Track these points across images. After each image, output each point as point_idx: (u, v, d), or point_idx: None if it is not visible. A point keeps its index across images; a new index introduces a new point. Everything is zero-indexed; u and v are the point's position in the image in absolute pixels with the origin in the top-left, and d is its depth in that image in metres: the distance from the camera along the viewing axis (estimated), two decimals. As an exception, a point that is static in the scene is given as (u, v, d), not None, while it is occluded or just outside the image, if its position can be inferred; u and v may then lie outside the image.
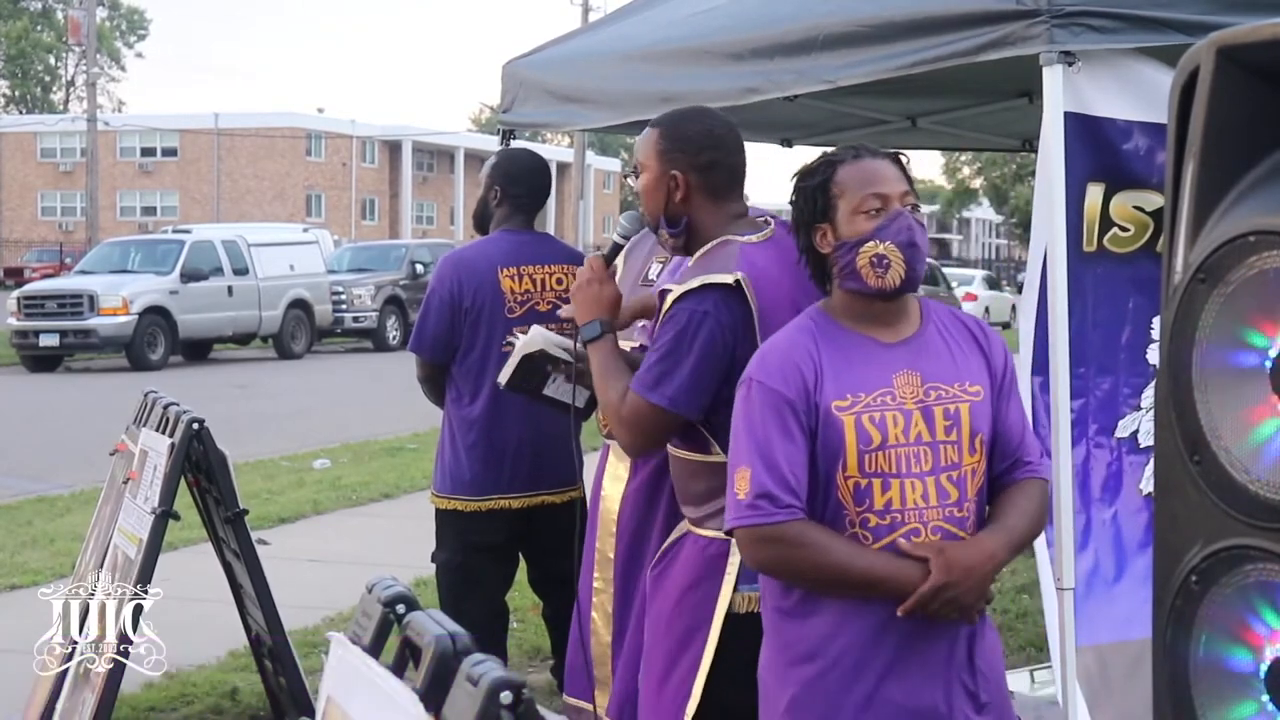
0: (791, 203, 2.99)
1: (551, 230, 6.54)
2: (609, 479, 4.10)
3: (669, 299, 3.28)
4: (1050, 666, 4.25)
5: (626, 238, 3.58)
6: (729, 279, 3.23)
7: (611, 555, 4.04)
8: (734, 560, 3.28)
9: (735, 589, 3.29)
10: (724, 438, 3.21)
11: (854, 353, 2.89)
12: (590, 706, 4.10)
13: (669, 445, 3.43)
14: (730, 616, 3.29)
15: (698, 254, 3.39)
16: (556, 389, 4.09)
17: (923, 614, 2.80)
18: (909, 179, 2.96)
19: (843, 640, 2.85)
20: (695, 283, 3.26)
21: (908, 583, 2.79)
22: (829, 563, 2.81)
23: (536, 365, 4.01)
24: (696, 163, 3.39)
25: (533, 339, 4.00)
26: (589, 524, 4.17)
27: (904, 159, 2.99)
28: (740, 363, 3.13)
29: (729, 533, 2.93)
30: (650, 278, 4.04)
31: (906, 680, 2.84)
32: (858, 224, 2.88)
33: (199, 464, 4.51)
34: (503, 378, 4.09)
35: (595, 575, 4.10)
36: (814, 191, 2.93)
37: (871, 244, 2.86)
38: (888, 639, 2.84)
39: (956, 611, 2.83)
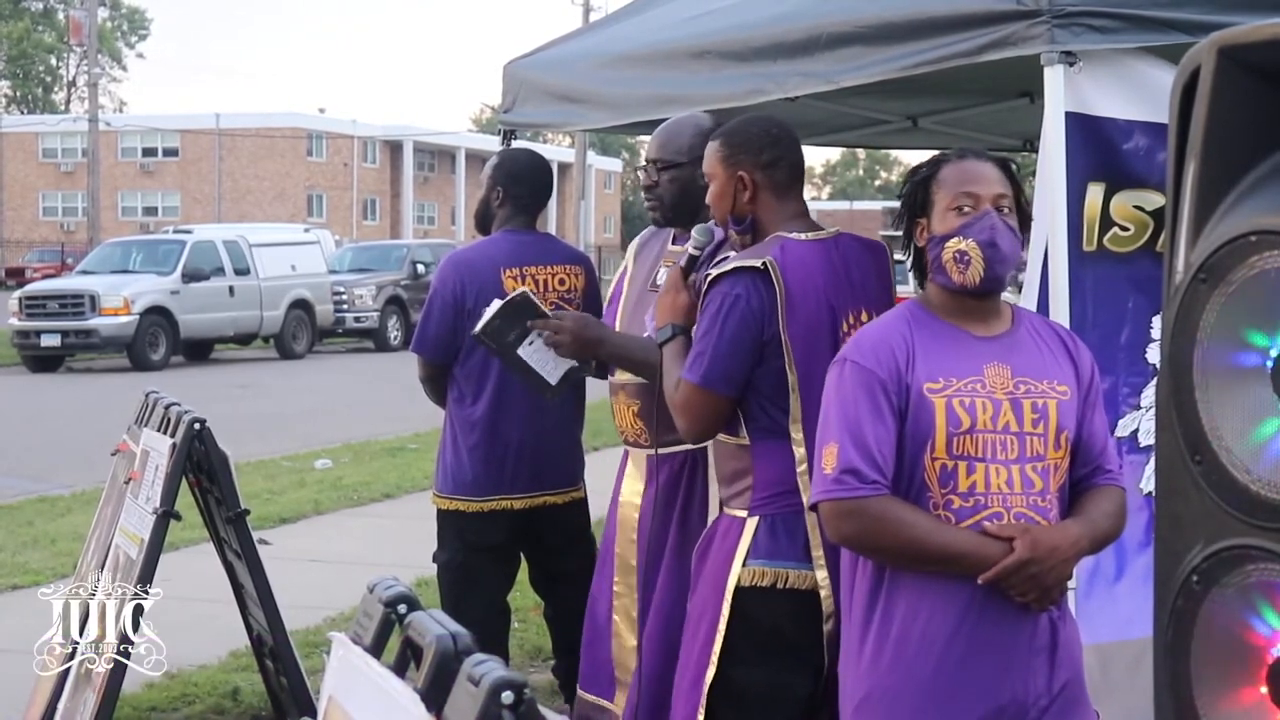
0: (899, 196, 3.14)
1: (552, 230, 6.55)
2: (629, 485, 4.12)
3: (706, 284, 3.45)
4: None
5: (701, 249, 3.67)
6: (757, 262, 3.38)
7: (633, 561, 4.05)
8: (746, 535, 3.39)
9: (744, 564, 3.37)
10: (753, 422, 3.40)
11: (947, 341, 2.99)
12: (609, 705, 4.12)
13: None
14: (739, 591, 3.37)
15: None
16: (532, 352, 4.13)
17: (1001, 588, 2.87)
18: (1014, 184, 3.06)
19: (924, 627, 2.91)
20: (727, 267, 3.42)
21: (990, 558, 2.87)
22: (911, 537, 2.88)
23: (519, 312, 4.08)
24: (760, 161, 3.53)
25: (518, 291, 4.17)
26: (607, 528, 4.19)
27: (1013, 164, 3.11)
28: (770, 344, 3.34)
29: (813, 507, 3.00)
30: (658, 282, 4.07)
31: (988, 671, 2.90)
32: (948, 220, 3.00)
33: (200, 464, 4.51)
34: (479, 324, 4.16)
35: (616, 580, 4.12)
36: (917, 187, 3.07)
37: (956, 240, 2.97)
38: (970, 628, 2.90)
39: (1035, 591, 2.89)
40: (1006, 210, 3.01)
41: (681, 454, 3.93)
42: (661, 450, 3.91)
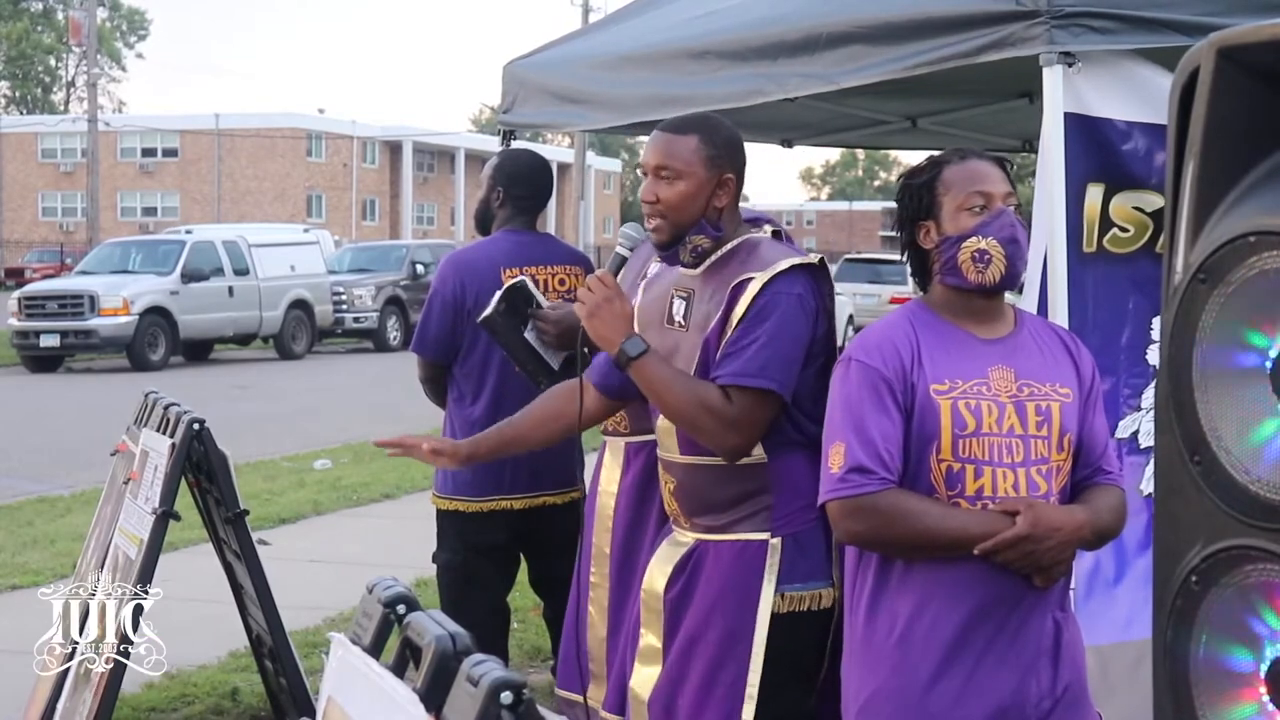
0: (897, 200, 3.08)
1: (552, 231, 6.57)
2: (606, 475, 4.13)
3: (755, 286, 3.26)
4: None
5: (632, 249, 3.55)
6: (814, 259, 3.32)
7: (608, 551, 4.07)
8: (773, 561, 3.29)
9: (778, 591, 3.28)
10: (775, 436, 3.28)
11: (952, 343, 2.98)
12: (580, 698, 4.12)
13: (685, 456, 3.39)
14: (772, 618, 3.27)
15: (722, 251, 3.39)
16: (536, 336, 4.25)
17: (998, 560, 2.86)
18: (1012, 182, 3.05)
19: (930, 628, 2.90)
20: (784, 265, 3.28)
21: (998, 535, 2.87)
22: (923, 527, 2.87)
23: (520, 297, 4.14)
24: (736, 165, 3.42)
25: (517, 279, 4.26)
26: (586, 519, 4.20)
27: (1008, 163, 3.09)
28: (818, 342, 3.28)
29: (821, 507, 2.96)
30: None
31: (992, 672, 2.90)
32: (961, 220, 2.97)
33: (200, 464, 4.51)
34: (486, 311, 4.23)
35: (592, 570, 4.13)
36: (920, 189, 3.03)
37: (974, 239, 2.95)
38: (976, 629, 2.89)
39: (1032, 567, 2.88)
40: (1014, 209, 3.02)
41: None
42: (638, 438, 3.91)
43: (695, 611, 3.37)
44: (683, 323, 3.42)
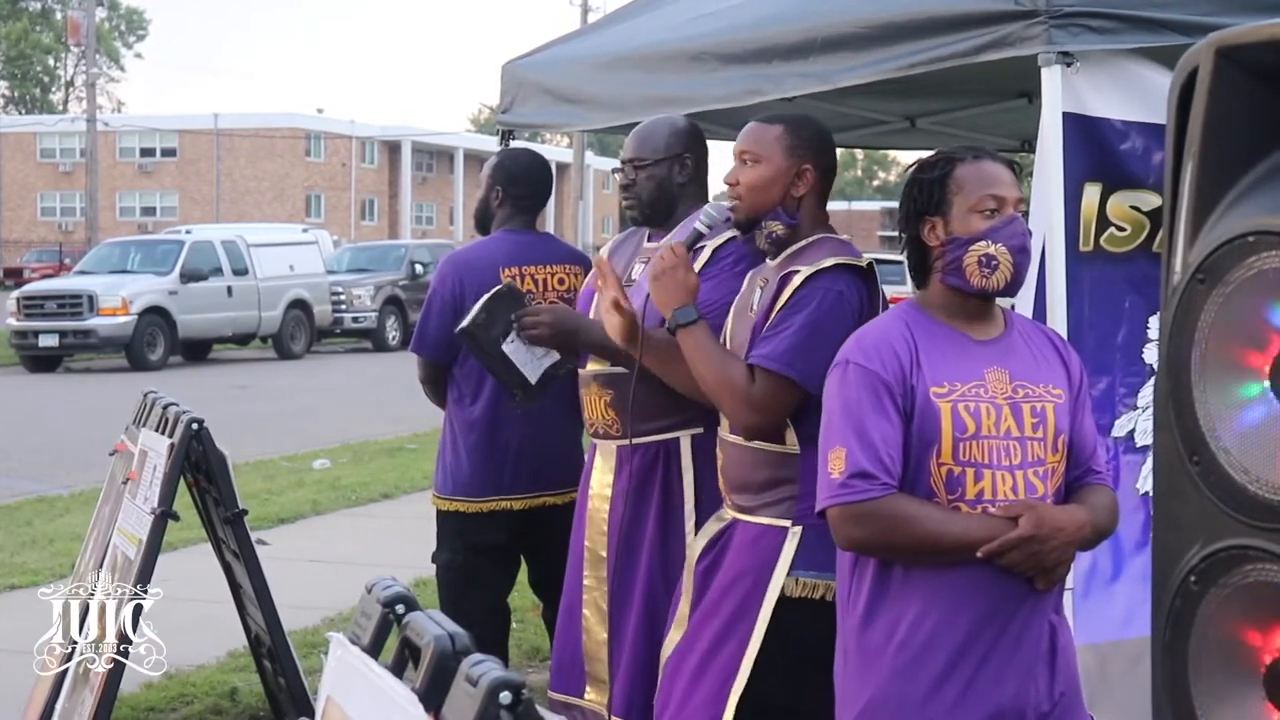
0: (905, 192, 3.06)
1: (551, 231, 6.54)
2: (597, 478, 4.12)
3: (798, 279, 3.38)
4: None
5: (711, 227, 3.65)
6: (862, 262, 3.38)
7: (604, 553, 4.06)
8: (789, 545, 3.35)
9: (790, 574, 3.33)
10: (806, 429, 3.31)
11: (947, 344, 2.96)
12: (579, 701, 4.12)
13: (732, 434, 3.48)
14: (783, 600, 3.33)
15: (799, 245, 3.49)
16: (515, 349, 4.18)
17: (1001, 563, 2.85)
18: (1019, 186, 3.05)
19: (930, 633, 2.88)
20: (828, 262, 3.37)
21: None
22: (924, 532, 2.86)
23: (505, 304, 4.11)
24: (822, 163, 3.54)
25: (504, 283, 4.21)
26: (576, 522, 4.20)
27: (1016, 166, 3.08)
28: None
29: (821, 513, 2.96)
30: (633, 277, 4.08)
31: (991, 676, 2.89)
32: (972, 222, 2.95)
33: (198, 464, 4.51)
34: (466, 319, 4.19)
35: (585, 573, 4.12)
36: (930, 184, 3.00)
37: (983, 244, 2.93)
38: (975, 634, 2.88)
39: (1035, 568, 2.88)
40: (1023, 215, 3.01)
41: (655, 444, 3.94)
42: (635, 440, 3.92)
43: (716, 586, 3.47)
44: (755, 310, 3.54)
